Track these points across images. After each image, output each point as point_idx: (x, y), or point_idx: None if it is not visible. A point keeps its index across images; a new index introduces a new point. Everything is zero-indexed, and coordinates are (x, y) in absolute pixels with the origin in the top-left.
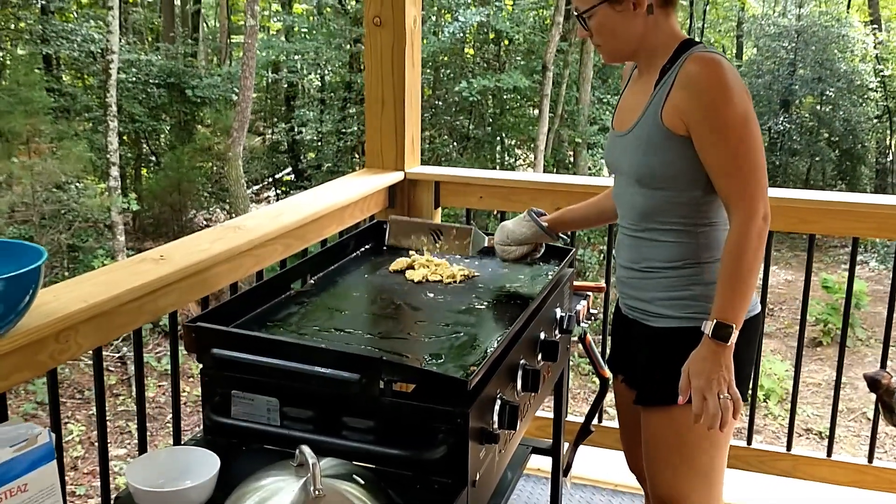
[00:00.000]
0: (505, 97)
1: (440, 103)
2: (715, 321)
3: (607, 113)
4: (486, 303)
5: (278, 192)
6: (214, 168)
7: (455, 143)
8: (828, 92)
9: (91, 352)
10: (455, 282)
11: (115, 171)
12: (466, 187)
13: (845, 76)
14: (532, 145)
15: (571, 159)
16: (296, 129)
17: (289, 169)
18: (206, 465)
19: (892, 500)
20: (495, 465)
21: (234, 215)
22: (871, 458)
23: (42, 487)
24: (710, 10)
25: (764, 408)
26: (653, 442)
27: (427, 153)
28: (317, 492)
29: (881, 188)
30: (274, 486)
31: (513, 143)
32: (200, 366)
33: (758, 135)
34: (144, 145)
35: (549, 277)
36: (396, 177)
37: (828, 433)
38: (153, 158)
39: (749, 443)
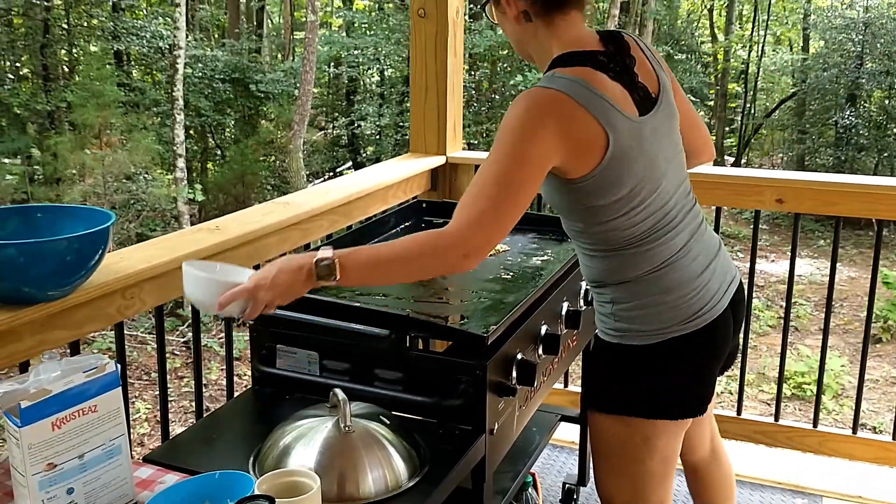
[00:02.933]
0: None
1: (496, 96)
2: (333, 258)
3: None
4: (511, 273)
5: None
6: (276, 161)
7: None
8: None
9: (153, 309)
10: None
11: (181, 163)
12: None
13: None
14: None
15: None
16: (355, 123)
17: (349, 163)
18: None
19: None
20: (515, 420)
21: None
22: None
23: (109, 410)
24: (776, 2)
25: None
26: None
27: (483, 146)
28: (347, 427)
29: None
30: (311, 424)
31: None
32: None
33: (516, 175)
34: (210, 139)
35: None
36: (439, 160)
37: (885, 427)
38: (218, 151)
39: (776, 419)
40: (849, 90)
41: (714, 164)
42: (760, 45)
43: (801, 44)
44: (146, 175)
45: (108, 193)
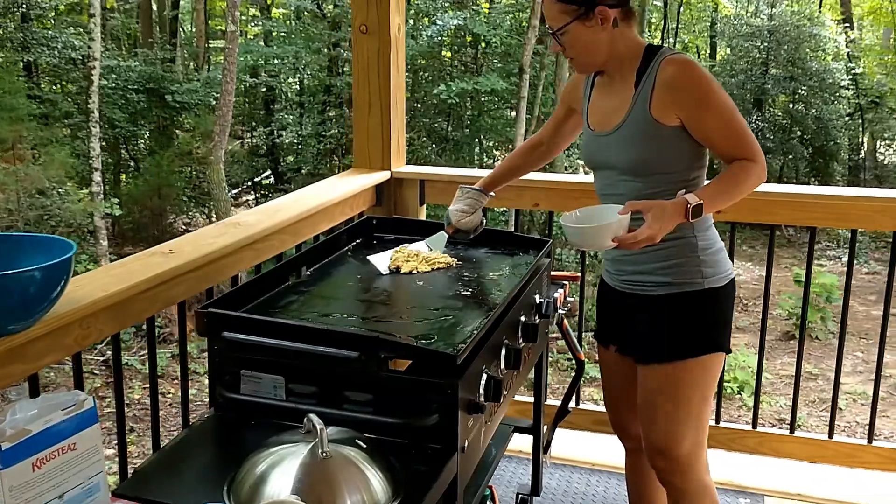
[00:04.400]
0: (483, 99)
1: (419, 105)
2: (700, 200)
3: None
4: (470, 290)
5: (258, 195)
6: (194, 173)
7: (434, 145)
8: (800, 90)
9: (110, 338)
10: (438, 269)
11: (97, 177)
12: (451, 185)
13: (817, 74)
14: (510, 146)
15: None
16: (275, 133)
17: (268, 172)
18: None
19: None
20: (482, 436)
21: (214, 219)
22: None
23: (88, 447)
24: (684, 10)
25: (738, 399)
26: (652, 395)
27: (407, 154)
28: (324, 454)
29: (854, 184)
30: (284, 451)
31: (491, 144)
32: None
33: (733, 107)
34: (124, 151)
35: (528, 267)
36: (383, 176)
37: (804, 422)
38: (132, 164)
39: (717, 422)
40: (755, 95)
41: None
42: None
43: (709, 51)
44: (60, 190)
45: (22, 209)
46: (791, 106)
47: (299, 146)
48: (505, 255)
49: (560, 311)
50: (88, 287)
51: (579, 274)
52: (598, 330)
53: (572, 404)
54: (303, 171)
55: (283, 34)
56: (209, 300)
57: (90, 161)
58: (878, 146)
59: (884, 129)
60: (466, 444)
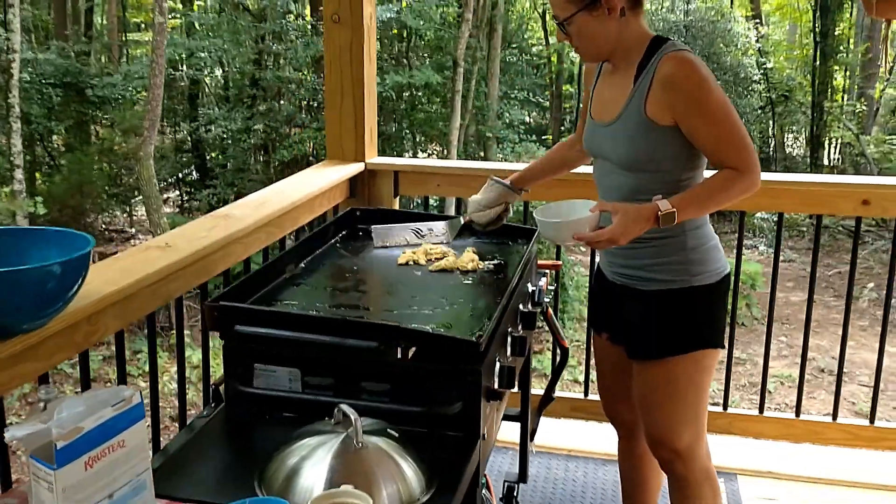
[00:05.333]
0: (416, 93)
1: None
2: (673, 208)
3: (514, 108)
4: (470, 279)
5: (183, 192)
6: (116, 169)
7: None
8: None
9: (114, 335)
10: (469, 270)
11: (19, 175)
12: (424, 176)
13: (731, 69)
14: (444, 141)
15: (482, 154)
16: (202, 129)
17: (192, 167)
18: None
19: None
20: (496, 422)
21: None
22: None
23: (136, 444)
24: None
25: None
26: (648, 391)
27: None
28: (360, 444)
29: None
30: (314, 443)
31: (423, 138)
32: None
33: (735, 112)
34: (40, 147)
35: (522, 255)
36: (358, 167)
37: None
38: (50, 161)
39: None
40: None
41: None
42: None
43: None
44: None
45: None
46: None
47: (229, 141)
48: (494, 244)
49: (545, 299)
50: (94, 282)
51: (560, 262)
52: (592, 316)
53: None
54: (228, 166)
55: (205, 26)
56: (205, 295)
57: (11, 158)
58: (786, 138)
59: (792, 122)
60: (485, 431)
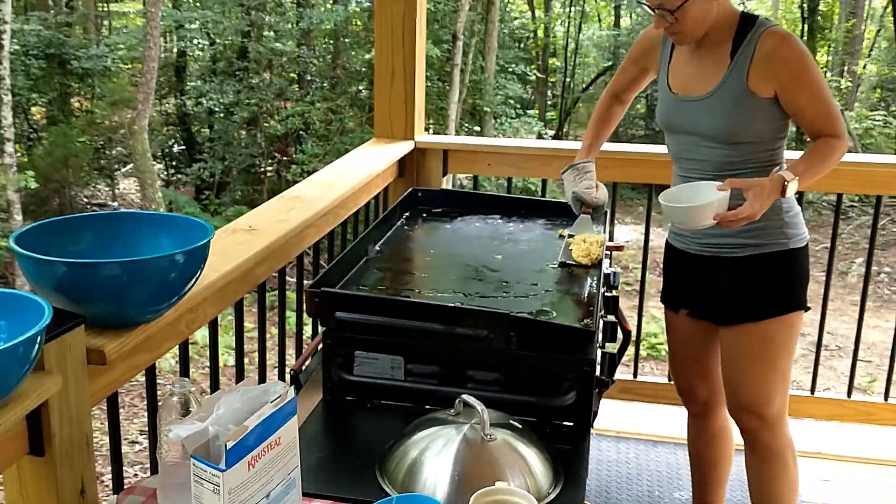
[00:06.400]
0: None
1: (339, 73)
2: (795, 177)
3: (511, 82)
4: (555, 263)
5: (169, 166)
6: (104, 143)
7: (358, 115)
8: None
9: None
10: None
11: (9, 148)
12: (474, 155)
13: None
14: (439, 115)
15: (478, 129)
16: (193, 101)
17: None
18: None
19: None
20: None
21: (115, 192)
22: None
23: (289, 440)
24: None
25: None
26: (741, 356)
27: (335, 124)
28: (488, 436)
29: None
30: (435, 433)
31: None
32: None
33: (826, 84)
34: (22, 120)
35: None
36: (408, 146)
37: None
38: (35, 134)
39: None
40: None
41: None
42: (578, 21)
43: (613, 21)
44: None
45: None
46: None
47: (220, 114)
48: (562, 225)
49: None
50: None
51: (624, 244)
52: (666, 294)
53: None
54: (220, 140)
55: None
56: (283, 279)
57: (1, 131)
58: None
59: None
60: (594, 421)
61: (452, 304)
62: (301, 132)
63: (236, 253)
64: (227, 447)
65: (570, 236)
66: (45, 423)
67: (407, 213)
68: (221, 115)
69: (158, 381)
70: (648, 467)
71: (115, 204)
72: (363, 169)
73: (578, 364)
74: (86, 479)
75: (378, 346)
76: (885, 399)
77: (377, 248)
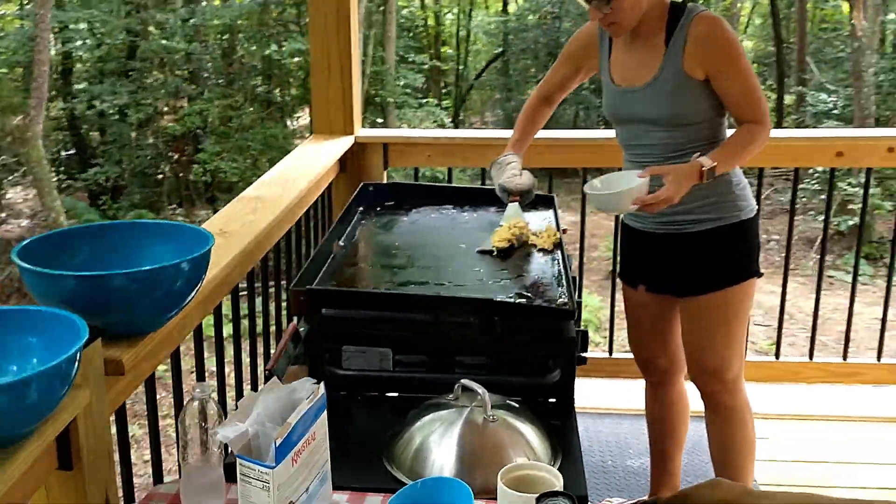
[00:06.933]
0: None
1: (235, 69)
2: (714, 163)
3: (411, 72)
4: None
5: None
6: None
7: (257, 109)
8: None
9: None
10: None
11: None
12: (414, 147)
13: None
14: None
15: (381, 120)
16: (84, 104)
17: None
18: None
19: None
20: None
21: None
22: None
23: (322, 435)
24: None
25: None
26: (701, 325)
27: (235, 121)
28: (491, 417)
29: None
30: (436, 418)
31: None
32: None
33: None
34: None
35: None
36: (348, 141)
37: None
38: None
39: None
40: (549, 49)
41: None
42: (468, 9)
43: (501, 6)
44: None
45: None
46: None
47: (115, 117)
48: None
49: None
50: None
51: (567, 228)
52: (625, 271)
53: None
54: (116, 143)
55: None
56: (252, 281)
57: None
58: None
59: None
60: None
61: (437, 294)
62: (199, 131)
63: (216, 257)
64: (277, 444)
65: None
66: (74, 437)
67: (361, 208)
68: (115, 117)
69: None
70: (598, 439)
71: (3, 215)
72: (312, 166)
73: (562, 343)
74: (109, 490)
75: (365, 340)
76: (811, 358)
77: (341, 244)
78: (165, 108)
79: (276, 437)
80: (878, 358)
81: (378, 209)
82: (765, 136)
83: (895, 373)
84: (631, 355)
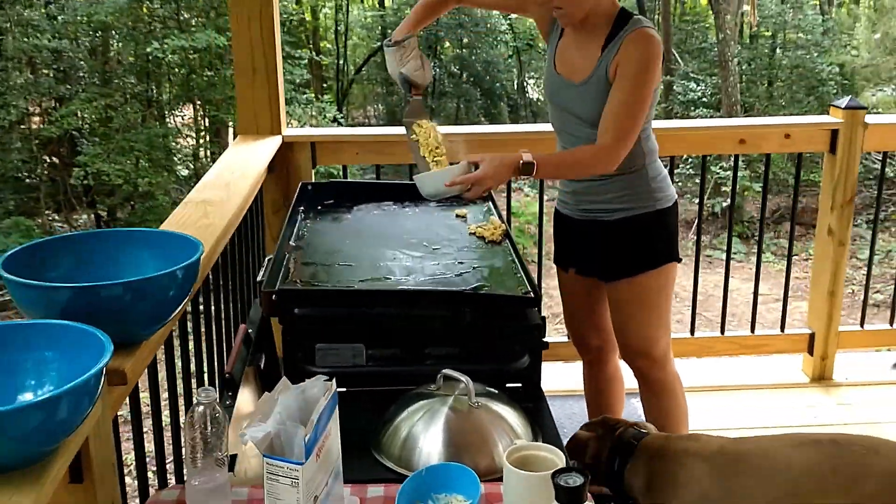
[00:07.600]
0: (191, 57)
1: (112, 67)
2: (533, 161)
3: (297, 68)
4: (466, 236)
5: None
6: None
7: (137, 108)
8: (466, 38)
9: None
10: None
11: None
12: (342, 145)
13: (482, 21)
14: (231, 103)
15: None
16: None
17: None
18: None
19: None
20: None
21: None
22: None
23: (335, 431)
24: None
25: None
26: (626, 307)
27: (116, 121)
28: (476, 403)
29: (515, 121)
30: (420, 408)
31: (209, 105)
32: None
33: (647, 103)
34: None
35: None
36: (277, 142)
37: None
38: None
39: None
40: (428, 43)
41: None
42: (346, 3)
43: (378, 2)
44: None
45: None
46: (460, 51)
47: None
48: (455, 207)
49: None
50: None
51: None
52: (557, 255)
53: None
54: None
55: None
56: (207, 287)
57: None
58: (526, 85)
59: (533, 69)
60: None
61: (407, 288)
62: (76, 132)
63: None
64: (305, 441)
65: (462, 217)
66: (85, 449)
67: (302, 208)
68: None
69: None
70: (569, 420)
71: None
72: (247, 167)
73: (528, 329)
74: (115, 501)
75: (338, 337)
76: (722, 333)
77: (293, 244)
78: (37, 110)
79: (305, 433)
80: (782, 329)
81: (320, 208)
82: (600, 168)
83: (796, 342)
84: None
